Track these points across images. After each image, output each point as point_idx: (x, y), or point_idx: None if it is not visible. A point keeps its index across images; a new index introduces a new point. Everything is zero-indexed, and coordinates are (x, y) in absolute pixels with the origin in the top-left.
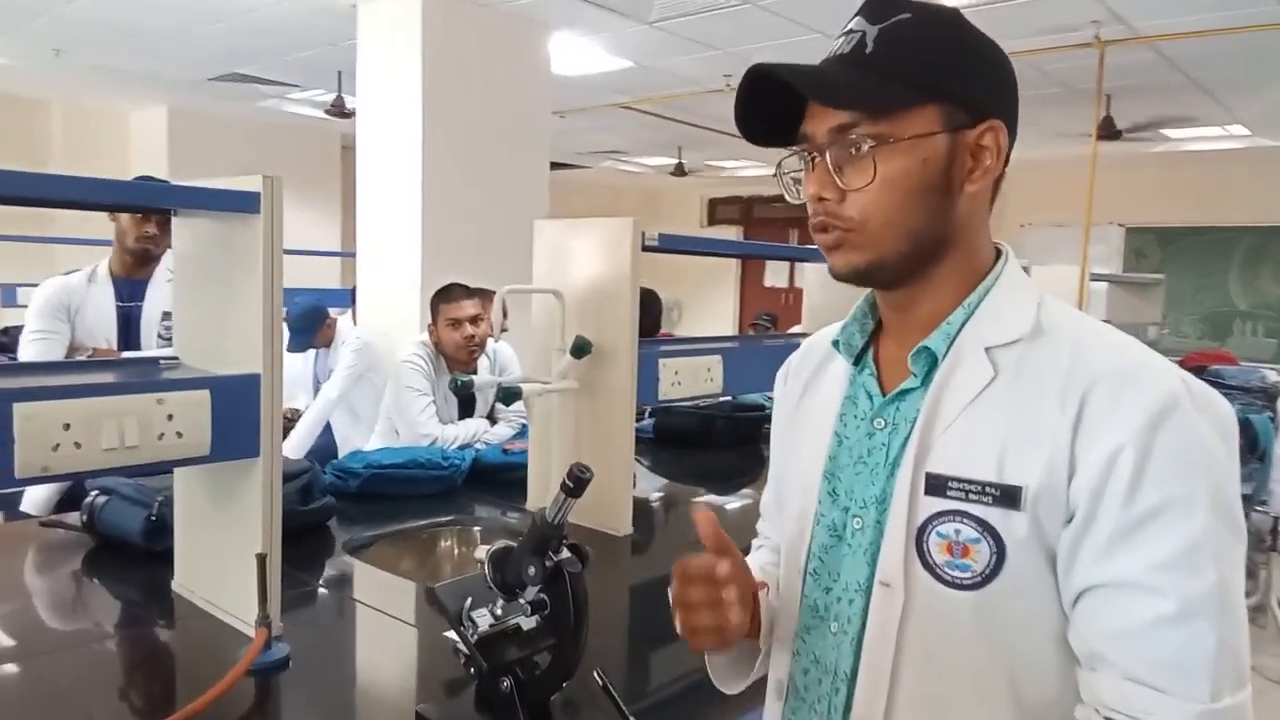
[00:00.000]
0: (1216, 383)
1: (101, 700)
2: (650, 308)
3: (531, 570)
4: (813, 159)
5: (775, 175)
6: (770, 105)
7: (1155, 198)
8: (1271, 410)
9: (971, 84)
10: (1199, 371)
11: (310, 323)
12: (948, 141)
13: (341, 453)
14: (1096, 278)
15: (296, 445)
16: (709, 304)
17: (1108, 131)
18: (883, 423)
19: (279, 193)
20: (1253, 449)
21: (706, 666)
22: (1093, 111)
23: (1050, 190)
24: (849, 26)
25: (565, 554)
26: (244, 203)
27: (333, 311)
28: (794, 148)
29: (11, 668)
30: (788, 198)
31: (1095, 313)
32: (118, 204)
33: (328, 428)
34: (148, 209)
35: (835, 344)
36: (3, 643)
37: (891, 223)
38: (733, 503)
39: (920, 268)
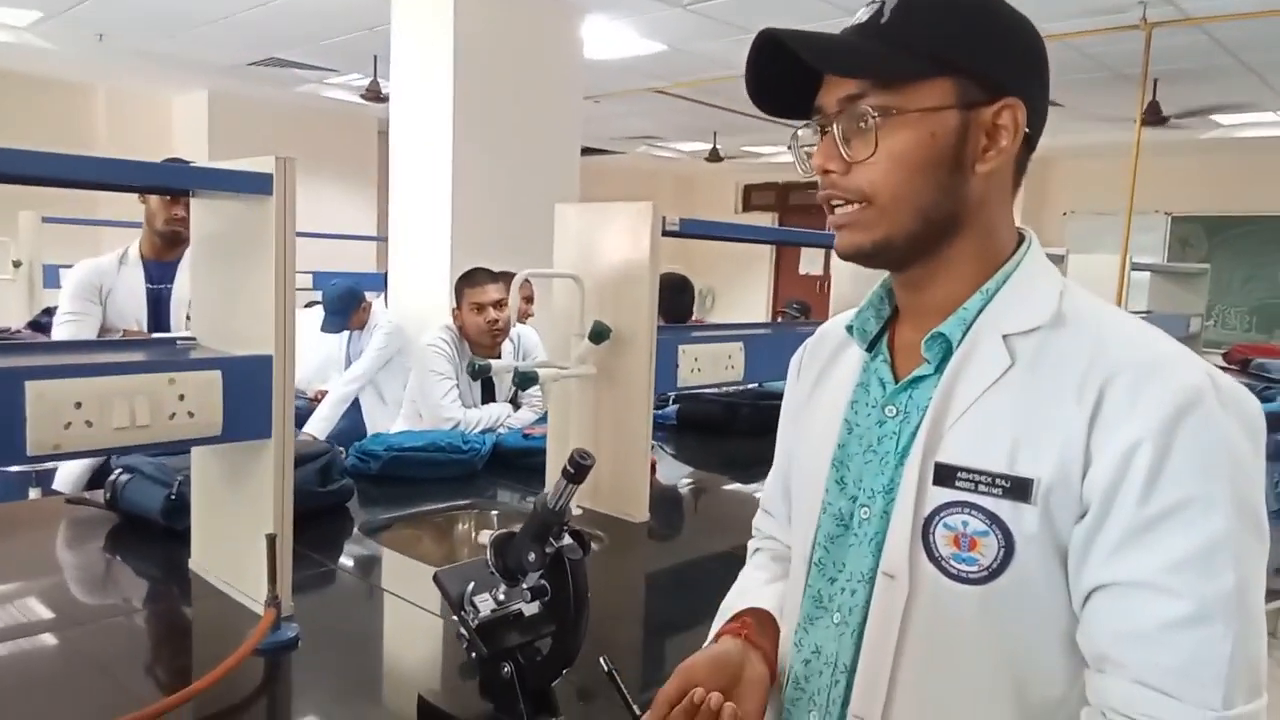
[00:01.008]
0: (1261, 375)
1: (109, 679)
2: (683, 293)
3: (532, 556)
4: (824, 131)
5: (790, 147)
6: (789, 75)
7: (1203, 186)
8: None
9: (990, 59)
10: (1244, 364)
11: (346, 304)
12: (959, 118)
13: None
14: (1138, 267)
15: (321, 420)
16: (743, 291)
17: (1154, 117)
18: (894, 410)
19: (292, 174)
20: None
21: None
22: (1137, 96)
23: (1095, 177)
24: None
25: (566, 540)
26: (257, 184)
27: (368, 295)
28: (808, 120)
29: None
30: (800, 170)
31: (1137, 303)
32: (133, 185)
33: (358, 410)
34: (163, 190)
35: (850, 329)
36: (18, 616)
37: (898, 198)
38: (753, 489)
39: (931, 247)
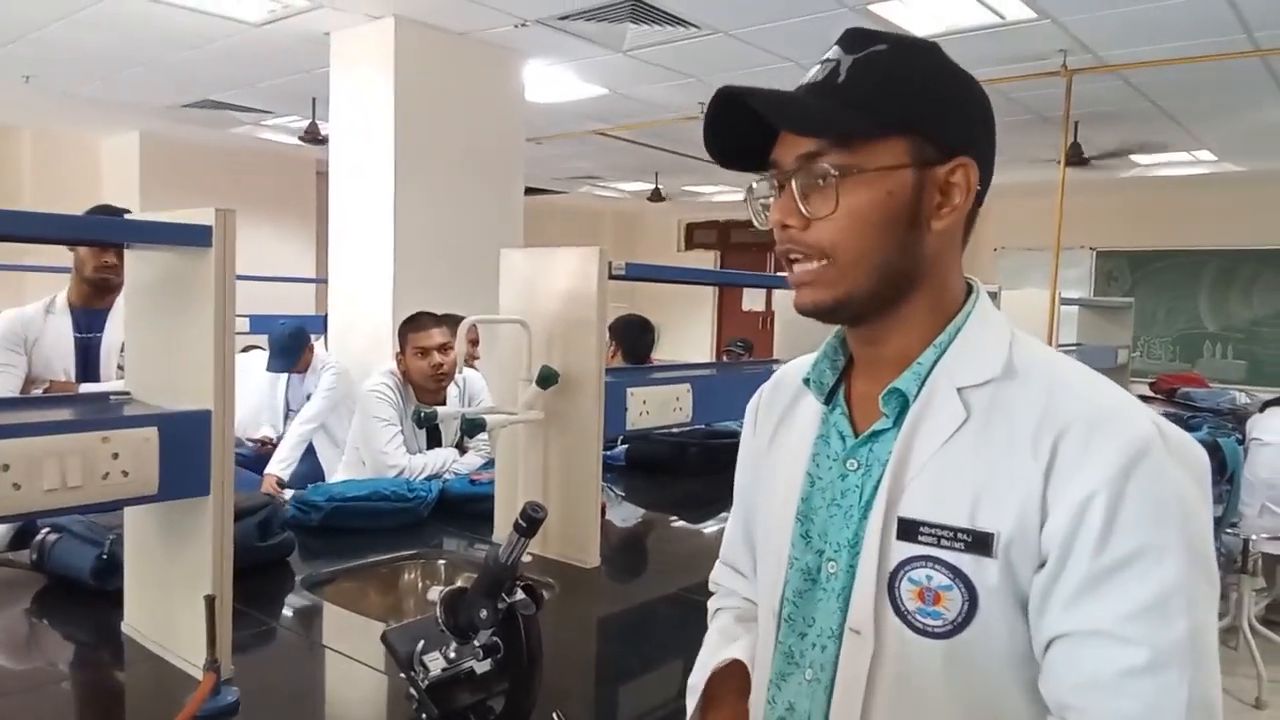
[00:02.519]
0: (1187, 404)
1: None
2: (645, 334)
3: (484, 613)
4: (780, 186)
5: (745, 200)
6: (744, 128)
7: (1125, 222)
8: (1240, 432)
9: (943, 120)
10: (1170, 394)
11: (295, 343)
12: (915, 176)
13: (330, 480)
14: (1067, 301)
15: (281, 462)
16: (688, 327)
17: (1076, 158)
18: (855, 464)
19: (232, 226)
20: (1222, 471)
21: None
22: (1060, 138)
23: (1022, 215)
24: (825, 55)
25: (519, 595)
26: (196, 236)
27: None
28: (764, 174)
29: None
30: (755, 223)
31: (1066, 335)
32: (67, 238)
33: (313, 453)
34: (97, 243)
35: (806, 381)
36: None
37: (857, 256)
38: (709, 527)
39: (888, 304)
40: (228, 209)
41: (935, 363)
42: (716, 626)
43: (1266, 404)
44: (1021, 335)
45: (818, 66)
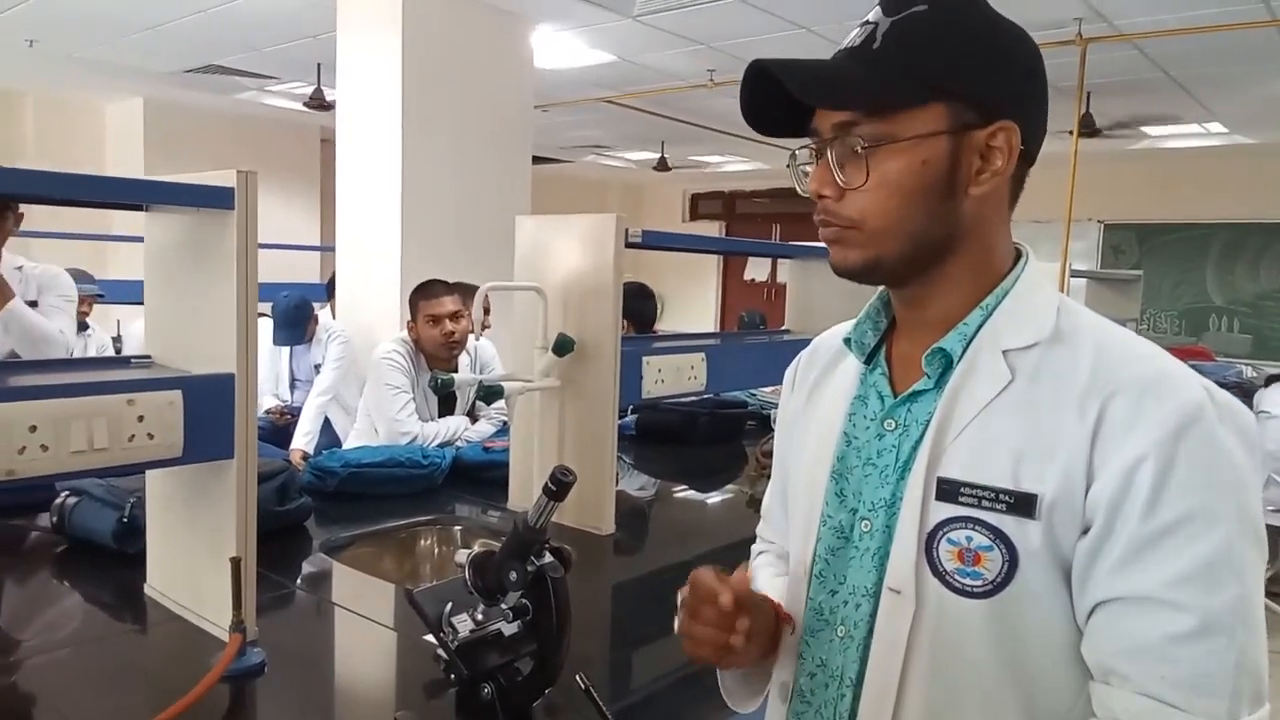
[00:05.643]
0: None
1: (71, 708)
2: (647, 301)
3: (513, 575)
4: (818, 154)
5: (788, 166)
6: (784, 96)
7: (1134, 194)
8: (1248, 406)
9: (985, 83)
10: None
11: (302, 314)
12: (952, 142)
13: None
14: (1076, 274)
15: (305, 435)
16: (692, 298)
17: (1087, 129)
18: (893, 424)
19: (254, 188)
20: None
21: (719, 686)
22: (1073, 108)
23: (1030, 186)
24: (866, 17)
25: (547, 558)
26: (218, 198)
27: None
28: (805, 141)
29: None
30: (799, 189)
31: None
32: (90, 200)
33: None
34: (118, 205)
35: (847, 341)
36: None
37: (888, 225)
38: (714, 498)
39: (925, 266)
40: (249, 170)
41: (981, 325)
42: (758, 563)
43: (1272, 378)
44: (1069, 301)
45: (857, 29)
